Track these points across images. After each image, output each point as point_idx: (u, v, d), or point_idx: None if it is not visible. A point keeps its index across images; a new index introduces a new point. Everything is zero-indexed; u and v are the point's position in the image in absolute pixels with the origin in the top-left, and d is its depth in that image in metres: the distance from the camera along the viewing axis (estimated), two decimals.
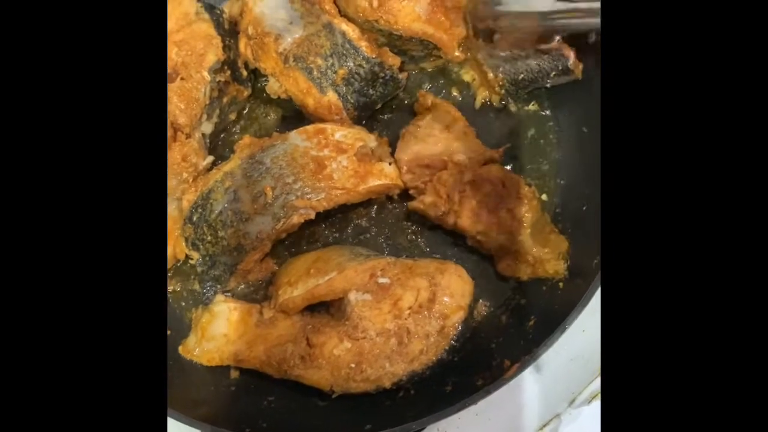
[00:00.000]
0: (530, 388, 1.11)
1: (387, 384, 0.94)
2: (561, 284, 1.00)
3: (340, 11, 1.15)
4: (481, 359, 0.97)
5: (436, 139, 1.09)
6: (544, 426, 1.10)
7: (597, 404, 1.08)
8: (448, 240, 1.11)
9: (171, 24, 1.12)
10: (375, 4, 1.10)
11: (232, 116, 1.20)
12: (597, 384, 1.10)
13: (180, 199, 1.08)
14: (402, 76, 1.14)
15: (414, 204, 1.07)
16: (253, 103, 1.23)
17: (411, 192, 1.09)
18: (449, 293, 0.97)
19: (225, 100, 1.15)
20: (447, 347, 0.95)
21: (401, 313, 0.95)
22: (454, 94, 1.19)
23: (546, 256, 1.01)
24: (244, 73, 1.17)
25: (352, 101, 1.11)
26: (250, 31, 1.12)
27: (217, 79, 1.10)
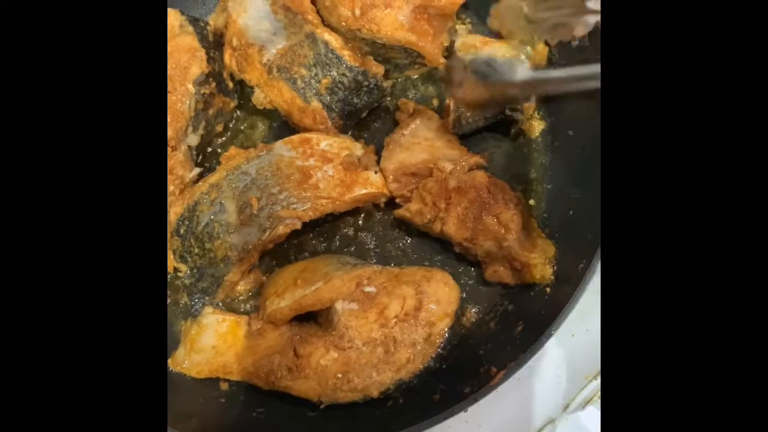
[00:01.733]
0: (524, 393, 1.10)
1: (375, 393, 0.94)
2: (548, 289, 1.00)
3: (323, 21, 1.15)
4: (469, 366, 0.96)
5: (420, 147, 1.09)
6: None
7: (592, 409, 1.08)
8: (435, 247, 1.11)
9: None
10: (357, 13, 1.10)
11: (219, 128, 1.20)
12: (591, 389, 1.10)
13: (167, 212, 1.08)
14: (387, 84, 1.14)
15: (400, 212, 1.07)
16: (240, 115, 1.23)
17: (397, 200, 1.09)
18: (435, 300, 0.96)
19: (211, 111, 1.15)
20: (434, 355, 0.94)
21: (387, 322, 0.95)
22: (443, 100, 1.19)
23: (533, 261, 1.01)
24: (230, 84, 1.18)
25: (336, 110, 1.11)
26: (235, 42, 1.13)
27: (202, 92, 1.10)
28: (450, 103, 1.10)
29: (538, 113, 1.15)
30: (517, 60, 0.95)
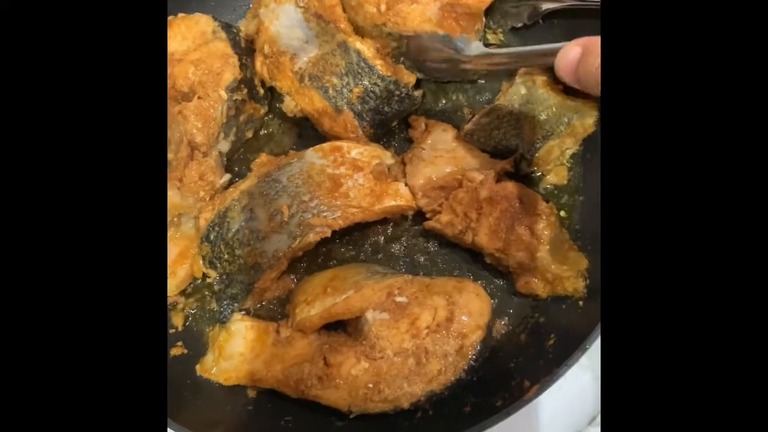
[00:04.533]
0: (550, 406, 1.09)
1: (405, 404, 0.93)
2: (581, 302, 0.99)
3: (352, 25, 1.14)
4: (500, 379, 0.95)
5: (444, 160, 1.08)
6: None
7: None
8: (465, 257, 1.10)
9: (188, 43, 1.13)
10: (383, 8, 1.09)
11: (249, 134, 1.20)
12: None
13: (197, 217, 1.08)
14: (417, 93, 1.14)
15: (431, 223, 1.06)
16: (270, 122, 1.23)
17: (428, 215, 1.08)
18: (467, 312, 0.96)
19: (242, 118, 1.15)
20: (466, 367, 0.93)
21: (419, 333, 0.94)
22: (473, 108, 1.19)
23: (565, 273, 1.00)
24: (261, 91, 1.18)
25: (367, 119, 1.10)
26: (266, 49, 1.12)
27: (234, 98, 1.10)
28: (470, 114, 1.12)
29: (566, 161, 1.12)
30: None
